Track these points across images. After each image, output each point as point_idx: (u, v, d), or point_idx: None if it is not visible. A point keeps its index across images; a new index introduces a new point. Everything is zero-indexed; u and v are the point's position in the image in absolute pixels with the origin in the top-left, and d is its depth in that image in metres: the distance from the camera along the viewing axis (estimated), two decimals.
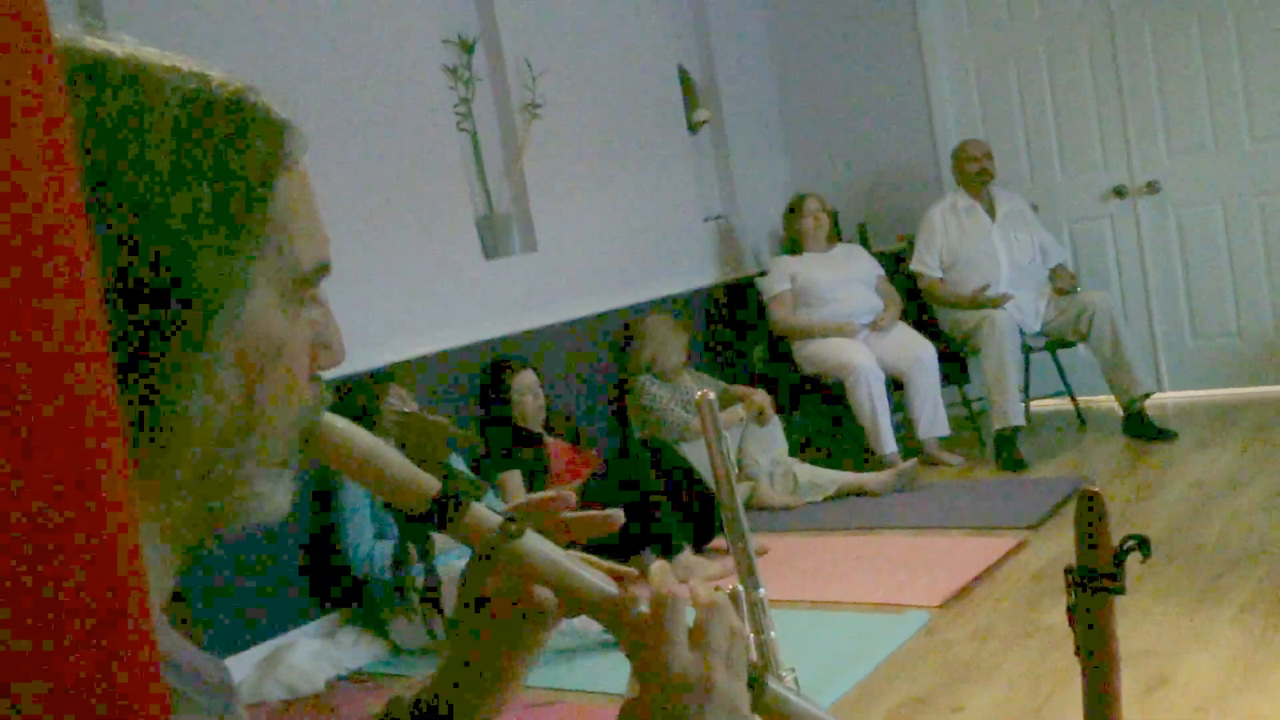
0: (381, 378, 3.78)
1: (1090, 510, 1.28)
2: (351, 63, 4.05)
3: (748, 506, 4.69)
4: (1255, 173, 5.29)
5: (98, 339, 0.40)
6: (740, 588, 1.23)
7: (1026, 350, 5.22)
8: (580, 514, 0.82)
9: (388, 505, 0.73)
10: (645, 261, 5.26)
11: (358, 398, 3.70)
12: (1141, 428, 4.95)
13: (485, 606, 0.81)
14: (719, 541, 4.11)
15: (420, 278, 4.23)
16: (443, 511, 0.73)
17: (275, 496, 0.63)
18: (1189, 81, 5.37)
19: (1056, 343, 5.25)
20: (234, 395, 0.58)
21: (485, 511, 0.75)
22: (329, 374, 0.71)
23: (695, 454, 4.37)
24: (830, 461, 5.06)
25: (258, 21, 3.77)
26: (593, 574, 0.78)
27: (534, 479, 4.17)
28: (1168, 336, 5.57)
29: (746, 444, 4.82)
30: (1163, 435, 4.89)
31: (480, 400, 4.34)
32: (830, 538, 4.28)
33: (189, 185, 0.55)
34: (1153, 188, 5.51)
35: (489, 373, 4.34)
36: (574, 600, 0.77)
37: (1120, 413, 5.07)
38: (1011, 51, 5.76)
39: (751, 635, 1.24)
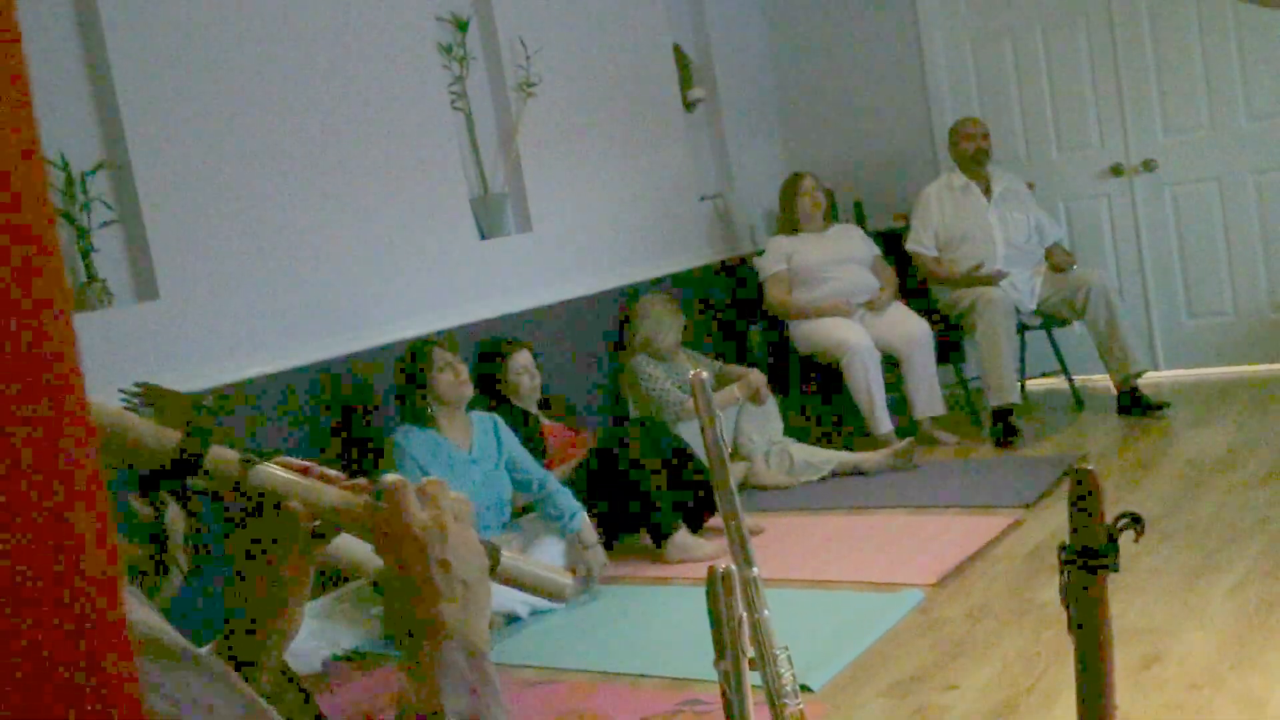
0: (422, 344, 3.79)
1: (1083, 488, 1.28)
2: (345, 42, 4.02)
3: (744, 486, 4.69)
4: (1251, 151, 5.28)
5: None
6: (734, 567, 1.23)
7: (1022, 329, 5.22)
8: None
9: (143, 475, 0.79)
10: (640, 241, 5.25)
11: (416, 364, 3.72)
12: (1135, 405, 4.96)
13: (252, 540, 0.92)
14: (715, 521, 4.12)
15: (415, 258, 4.22)
16: (191, 455, 0.81)
17: None
18: (1185, 60, 5.36)
19: (1052, 321, 5.25)
20: None
21: (226, 451, 0.85)
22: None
23: (691, 434, 4.37)
24: (826, 441, 5.06)
25: (251, 2, 3.74)
26: (331, 489, 0.91)
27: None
28: (1163, 315, 5.57)
29: (742, 424, 4.83)
30: (1156, 409, 4.90)
31: (476, 380, 4.33)
32: (826, 517, 4.28)
33: None
34: (1149, 166, 5.50)
35: (485, 353, 4.34)
36: (319, 510, 0.89)
37: (1114, 391, 5.08)
38: (1008, 30, 5.73)
39: (745, 614, 1.24)
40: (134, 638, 0.52)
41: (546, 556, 3.72)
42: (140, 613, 0.62)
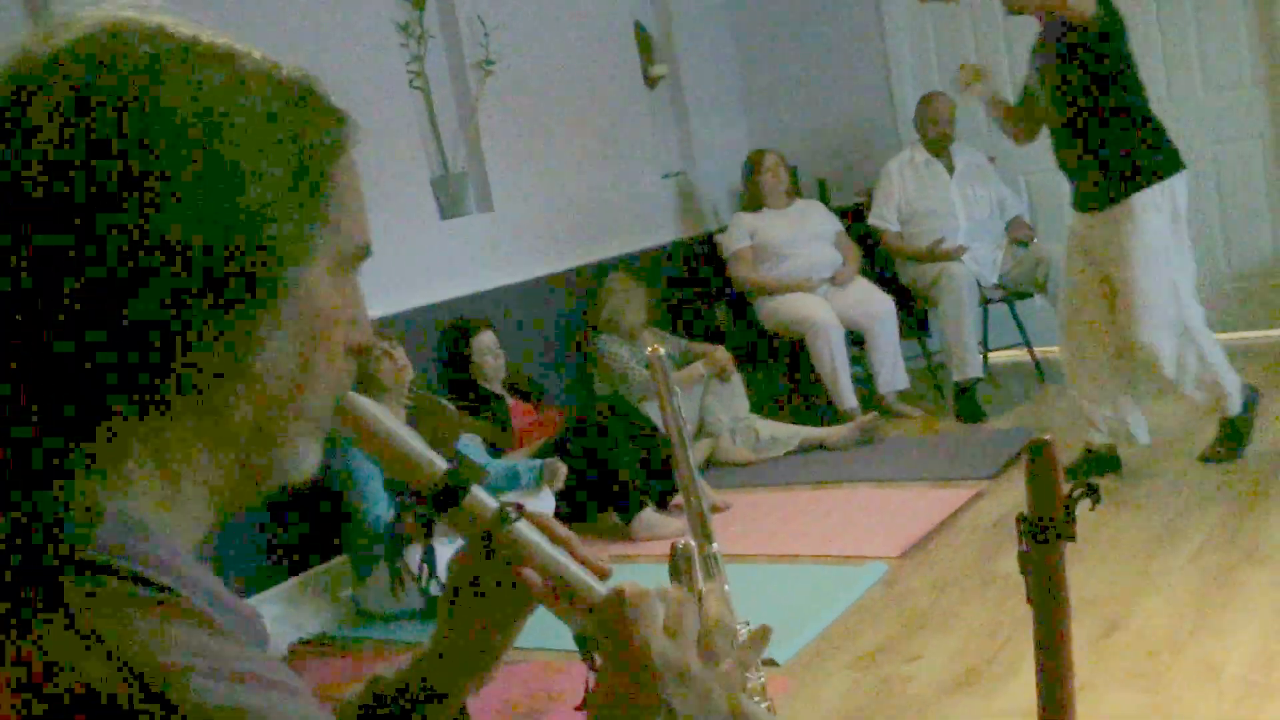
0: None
1: (1041, 460, 1.29)
2: (300, 19, 3.97)
3: (710, 463, 4.70)
4: (1209, 123, 5.32)
5: None
6: (693, 542, 1.23)
7: (984, 302, 5.26)
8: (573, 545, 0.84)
9: (396, 482, 0.78)
10: (604, 219, 5.23)
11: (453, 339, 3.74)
12: None
13: (474, 588, 0.85)
14: (681, 499, 4.12)
15: (376, 238, 4.16)
16: (450, 492, 0.78)
17: (309, 457, 0.68)
18: (1143, 33, 5.38)
19: (1014, 294, 5.28)
20: (292, 356, 0.64)
21: (485, 495, 0.80)
22: None
23: (657, 412, 4.36)
24: (791, 417, 5.08)
25: None
26: (579, 567, 0.82)
27: (495, 438, 4.16)
28: None
29: (708, 401, 4.83)
30: None
31: (440, 361, 4.31)
32: (791, 492, 4.30)
33: (271, 160, 0.62)
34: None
35: (449, 334, 4.31)
36: (559, 586, 0.81)
37: None
38: (967, 5, 5.73)
39: (705, 588, 1.24)
40: None
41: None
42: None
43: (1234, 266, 5.38)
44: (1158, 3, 5.31)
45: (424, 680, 0.87)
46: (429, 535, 3.42)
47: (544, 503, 3.80)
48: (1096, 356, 3.79)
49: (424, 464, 0.78)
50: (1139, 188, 3.58)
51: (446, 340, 4.31)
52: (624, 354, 4.70)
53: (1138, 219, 3.56)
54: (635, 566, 3.71)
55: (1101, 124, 3.60)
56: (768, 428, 4.82)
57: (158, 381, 0.60)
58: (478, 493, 0.80)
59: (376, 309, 4.03)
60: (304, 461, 0.68)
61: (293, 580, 3.77)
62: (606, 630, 0.78)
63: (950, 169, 5.33)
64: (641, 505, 3.96)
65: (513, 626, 0.87)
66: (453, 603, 0.86)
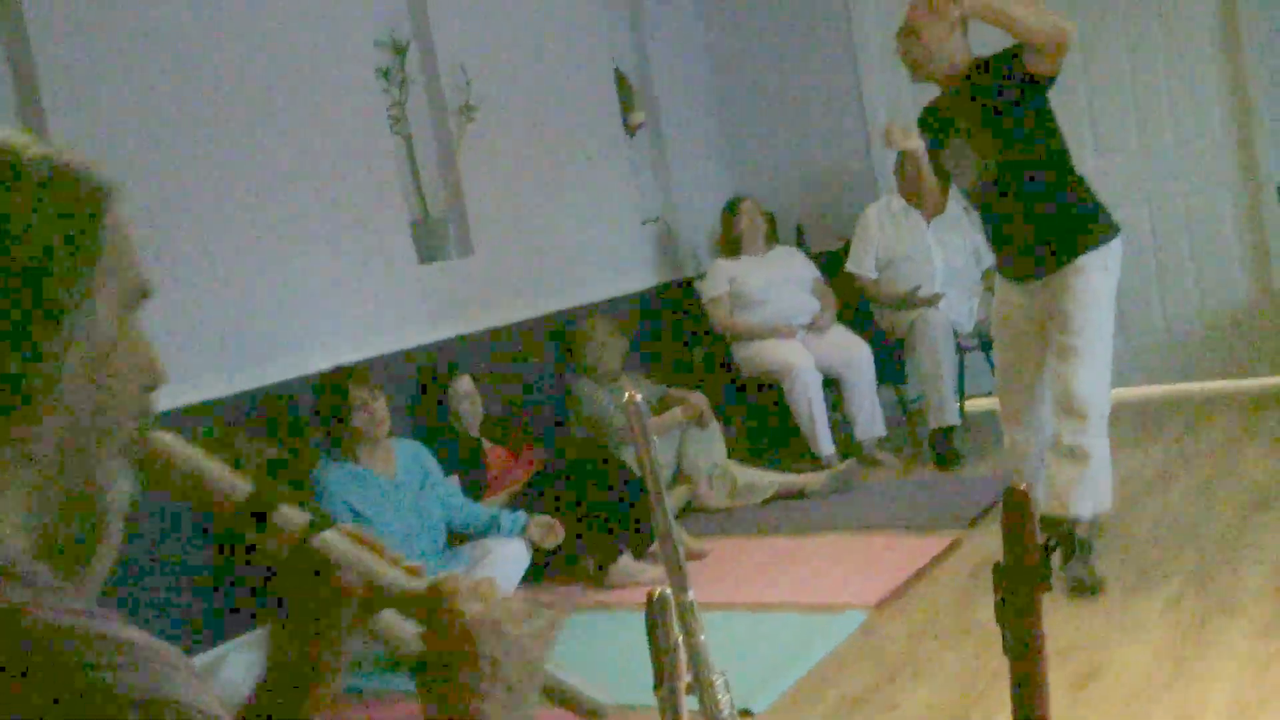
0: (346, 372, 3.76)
1: (1017, 507, 1.29)
2: (284, 65, 3.99)
3: (688, 509, 4.69)
4: (1180, 172, 5.40)
5: None
6: (669, 591, 1.22)
7: (960, 350, 5.29)
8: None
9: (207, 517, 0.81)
10: (583, 264, 5.25)
11: (333, 401, 3.68)
12: None
13: (299, 605, 0.91)
14: (658, 546, 4.10)
15: (355, 282, 4.18)
16: (257, 511, 0.82)
17: (122, 481, 0.75)
18: (1115, 83, 5.47)
19: (989, 342, 5.31)
20: (87, 384, 0.72)
21: (295, 511, 0.85)
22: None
23: (635, 458, 4.36)
24: (769, 463, 5.08)
25: (188, 21, 3.70)
26: (391, 566, 0.89)
27: (472, 484, 4.14)
28: None
29: (686, 447, 4.82)
30: None
31: (416, 406, 4.29)
32: (769, 540, 4.29)
33: (46, 226, 0.72)
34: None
35: (426, 379, 4.30)
36: (374, 588, 0.88)
37: None
38: None
39: (681, 638, 1.24)
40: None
41: (507, 566, 3.70)
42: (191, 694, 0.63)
43: (1206, 315, 5.44)
44: (1130, 55, 5.40)
45: (265, 708, 0.93)
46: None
47: (518, 551, 3.77)
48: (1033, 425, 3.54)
49: (230, 489, 0.83)
50: (1092, 246, 3.35)
51: (424, 385, 4.30)
52: (602, 399, 4.70)
53: (1091, 278, 3.33)
54: (612, 615, 3.68)
55: (1053, 181, 3.38)
56: (745, 474, 4.81)
57: None
58: (285, 510, 0.84)
59: (356, 352, 4.03)
60: (117, 483, 0.74)
61: (261, 630, 3.72)
62: (428, 609, 0.86)
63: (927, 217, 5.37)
64: (618, 553, 3.94)
65: (340, 641, 0.92)
66: (278, 624, 0.92)
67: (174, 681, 0.63)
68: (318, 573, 0.88)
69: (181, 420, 3.54)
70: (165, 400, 3.08)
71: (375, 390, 3.68)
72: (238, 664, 3.48)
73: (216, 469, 0.83)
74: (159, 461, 0.80)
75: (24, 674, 0.59)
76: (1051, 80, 3.29)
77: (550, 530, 3.80)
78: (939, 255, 5.31)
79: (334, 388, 3.69)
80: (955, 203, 5.50)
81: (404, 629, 0.91)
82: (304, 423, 3.89)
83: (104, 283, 0.75)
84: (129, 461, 0.76)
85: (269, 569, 0.90)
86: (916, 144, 3.54)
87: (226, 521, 0.83)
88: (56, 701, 0.58)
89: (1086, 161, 5.54)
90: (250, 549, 3.47)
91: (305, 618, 0.91)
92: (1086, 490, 3.31)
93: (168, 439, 0.82)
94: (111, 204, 0.77)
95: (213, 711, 0.64)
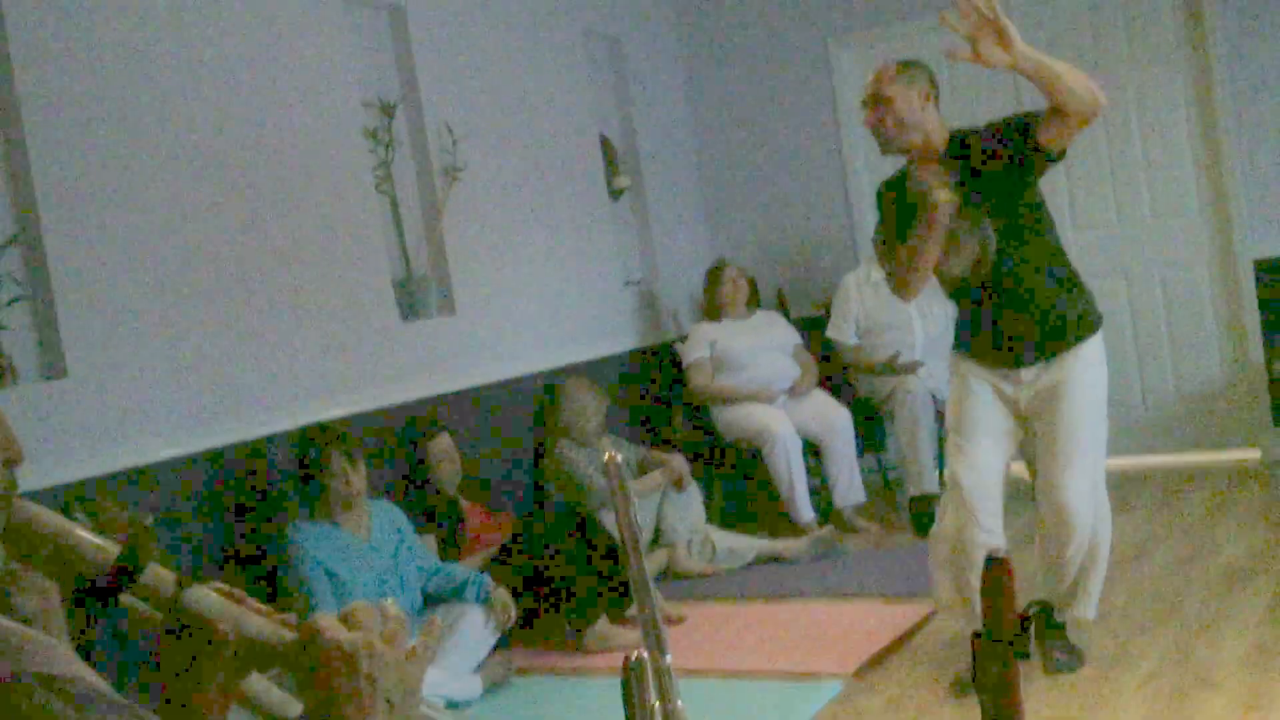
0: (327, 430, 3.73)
1: (996, 576, 1.29)
2: (270, 123, 4.01)
3: (665, 574, 4.66)
4: (1156, 247, 5.48)
5: None
6: (646, 655, 1.21)
7: (940, 418, 5.30)
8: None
9: (76, 585, 0.81)
10: (565, 325, 5.26)
11: (311, 463, 3.66)
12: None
13: (176, 662, 0.90)
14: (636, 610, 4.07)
15: (337, 339, 4.17)
16: (125, 571, 0.82)
17: None
18: (1092, 157, 5.56)
19: None
20: None
21: (162, 570, 0.86)
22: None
23: (613, 521, 4.33)
24: (748, 528, 5.06)
25: (176, 79, 3.73)
26: (262, 619, 0.90)
27: (449, 543, 4.10)
28: None
29: (664, 510, 4.80)
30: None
31: (395, 463, 4.26)
32: (747, 606, 4.26)
33: None
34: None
35: (405, 436, 4.28)
36: (245, 639, 0.88)
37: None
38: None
39: (657, 704, 1.22)
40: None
41: (471, 637, 3.66)
42: (64, 665, 0.63)
43: (1182, 389, 5.48)
44: (1107, 133, 5.50)
45: None
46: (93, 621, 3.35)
47: (480, 623, 3.72)
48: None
49: (97, 553, 0.82)
50: (1089, 334, 3.17)
51: (403, 443, 4.28)
52: (581, 460, 4.68)
53: (1089, 365, 3.15)
54: (589, 680, 3.64)
55: (1056, 264, 3.18)
56: (724, 539, 4.79)
57: None
58: (154, 568, 0.85)
59: (336, 408, 4.01)
60: None
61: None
62: (300, 653, 0.86)
63: None
64: (595, 617, 3.90)
65: (218, 697, 0.92)
66: (163, 686, 0.92)
67: (65, 662, 0.63)
68: (191, 629, 0.88)
69: (158, 473, 3.51)
70: (147, 453, 3.03)
71: (355, 461, 3.65)
72: None
73: (83, 534, 0.82)
74: (26, 532, 0.79)
75: None
76: (1060, 156, 2.99)
77: (504, 610, 3.74)
78: (920, 324, 5.35)
79: (314, 449, 3.66)
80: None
81: (274, 694, 0.92)
82: (281, 478, 3.86)
83: None
84: None
85: (141, 631, 0.91)
86: (951, 197, 3.08)
87: (93, 586, 0.83)
88: None
89: (1066, 237, 5.62)
90: (115, 612, 3.41)
91: (183, 675, 0.90)
92: (1095, 590, 3.20)
93: (33, 509, 0.81)
94: None
95: (88, 679, 0.64)
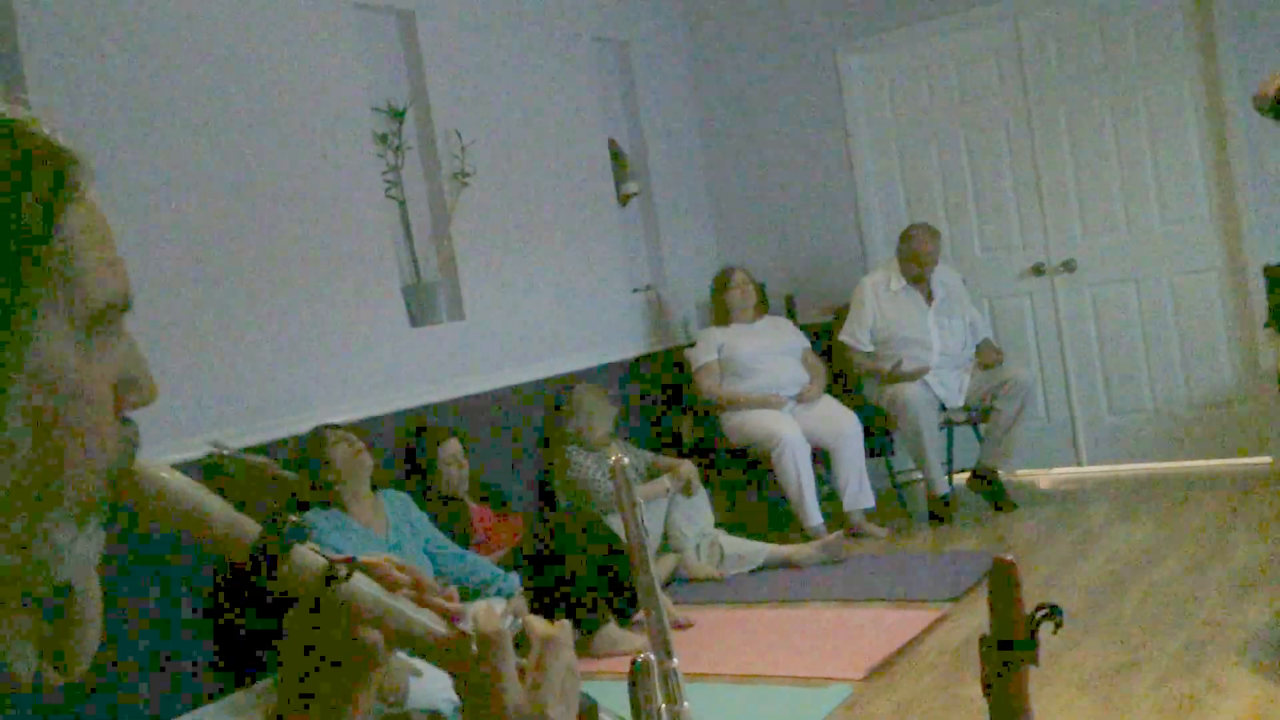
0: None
1: (1003, 579, 1.29)
2: (281, 129, 4.03)
3: (674, 579, 4.66)
4: (1166, 253, 5.46)
5: None
6: (653, 657, 1.21)
7: (950, 424, 5.30)
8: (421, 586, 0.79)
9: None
10: (573, 331, 5.26)
11: (311, 447, 3.69)
12: (989, 488, 5.19)
13: (312, 653, 0.78)
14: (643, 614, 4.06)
15: (346, 344, 4.18)
16: (268, 555, 0.70)
17: (78, 549, 0.58)
18: (1102, 165, 5.55)
19: (980, 415, 5.32)
20: (25, 443, 0.55)
21: (310, 554, 0.73)
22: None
23: (621, 524, 4.33)
24: (756, 533, 5.05)
25: (187, 85, 3.74)
26: (422, 614, 0.76)
27: (457, 546, 4.10)
28: (1085, 411, 5.68)
29: (673, 515, 4.80)
30: (1009, 506, 5.14)
31: (405, 468, 4.27)
32: (755, 610, 4.25)
33: None
34: (1069, 266, 5.65)
35: (414, 440, 4.29)
36: (404, 640, 0.76)
37: (979, 471, 5.25)
38: (932, 133, 5.91)
39: (664, 706, 1.22)
40: None
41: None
42: None
43: (1192, 395, 5.46)
44: (1116, 137, 5.49)
45: None
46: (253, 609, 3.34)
47: (496, 614, 3.74)
48: None
49: (234, 528, 0.70)
50: None
51: (412, 447, 4.28)
52: (589, 466, 4.68)
53: None
54: (596, 684, 3.63)
55: None
56: (733, 544, 4.78)
57: None
58: (302, 552, 0.71)
59: (345, 413, 4.02)
60: (71, 555, 0.58)
61: (239, 693, 3.66)
62: (464, 669, 0.75)
63: (929, 297, 5.38)
64: (603, 621, 3.90)
65: (358, 687, 0.79)
66: (291, 672, 0.79)
67: None
68: (336, 622, 0.75)
69: None
70: (157, 457, 3.07)
71: (356, 446, 3.70)
72: None
73: (219, 507, 0.70)
74: (152, 501, 0.67)
75: None
76: None
77: (518, 615, 3.78)
78: (937, 338, 5.32)
79: (314, 443, 3.69)
80: (956, 274, 5.51)
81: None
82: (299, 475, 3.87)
83: (61, 299, 0.56)
84: (94, 518, 0.60)
85: (278, 620, 0.79)
86: None
87: (229, 567, 0.75)
88: None
89: (1076, 241, 5.61)
90: (253, 596, 3.38)
91: (322, 667, 0.78)
92: None
93: (164, 477, 0.68)
94: (75, 183, 0.58)
95: None
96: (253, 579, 0.70)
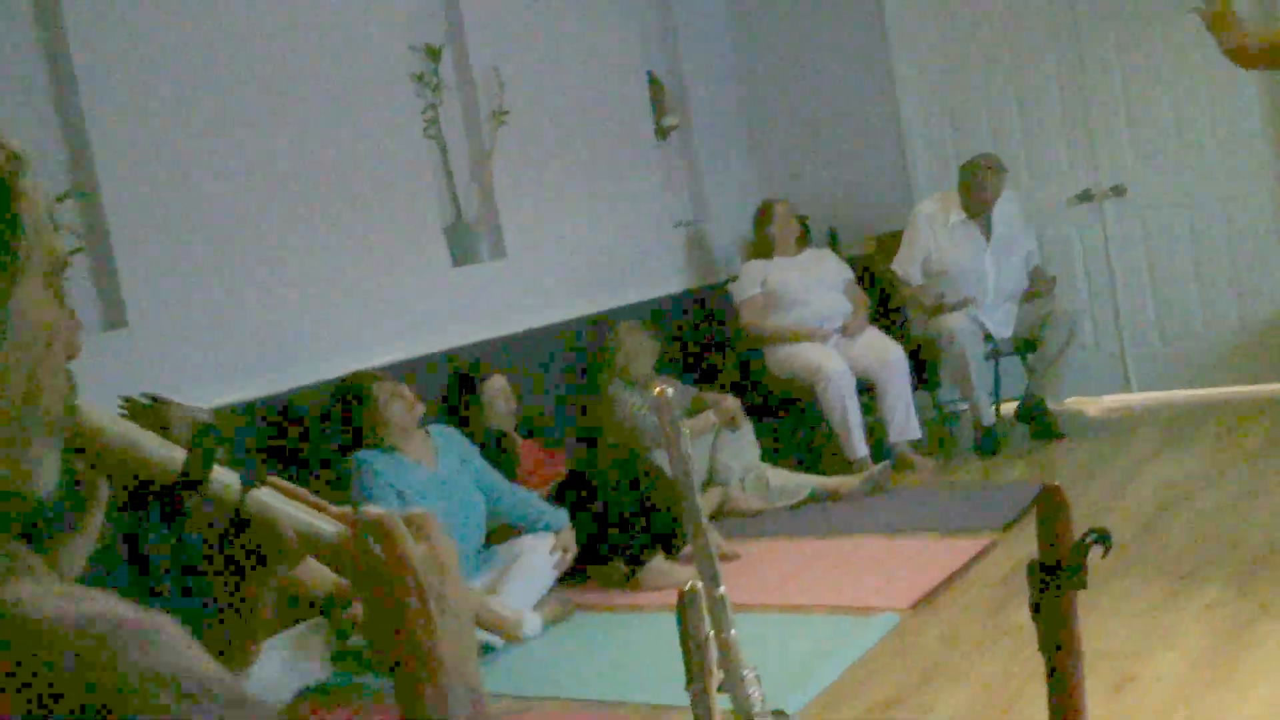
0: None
1: (1051, 506, 1.28)
2: (317, 70, 4.02)
3: (720, 513, 4.68)
4: (1218, 176, 5.34)
5: None
6: (700, 585, 1.22)
7: (997, 354, 5.25)
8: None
9: (138, 487, 0.81)
10: (615, 268, 5.25)
11: (357, 406, 3.69)
12: (1037, 421, 5.14)
13: (237, 563, 0.91)
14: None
15: (388, 286, 4.20)
16: (195, 477, 0.82)
17: (49, 465, 0.72)
18: (1152, 86, 5.42)
19: (1026, 346, 5.27)
20: (19, 370, 0.69)
21: (228, 473, 0.86)
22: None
23: (667, 460, 4.35)
24: (802, 466, 5.06)
25: (224, 28, 3.74)
26: (321, 518, 0.89)
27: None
28: (1135, 338, 5.61)
29: (718, 450, 4.81)
30: (1057, 436, 5.10)
31: (449, 408, 4.30)
32: (802, 542, 4.27)
33: None
34: (1118, 191, 5.55)
35: (459, 379, 4.32)
36: (307, 542, 0.88)
37: (1024, 401, 5.21)
38: (977, 57, 5.79)
39: (711, 633, 1.23)
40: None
41: (542, 567, 3.75)
42: (189, 661, 0.63)
43: (1245, 319, 5.37)
44: (1167, 57, 5.35)
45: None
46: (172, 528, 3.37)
47: (544, 549, 3.80)
48: None
49: (165, 457, 0.82)
50: None
51: (457, 385, 4.31)
52: (634, 402, 4.70)
53: None
54: (645, 616, 3.68)
55: None
56: (778, 477, 4.79)
57: None
58: (220, 471, 0.85)
59: (389, 354, 4.05)
60: (45, 471, 0.72)
61: (297, 628, 3.74)
62: (365, 554, 0.84)
63: (988, 233, 5.27)
64: (650, 555, 3.94)
65: (270, 594, 0.94)
66: (223, 579, 0.92)
67: (182, 653, 0.62)
68: (254, 530, 0.89)
69: (221, 420, 3.57)
70: (206, 399, 3.07)
71: (398, 388, 3.71)
72: (272, 661, 3.50)
73: (149, 438, 0.83)
74: (91, 435, 0.79)
75: (32, 675, 0.57)
76: None
77: (569, 547, 3.85)
78: (994, 277, 5.24)
79: (354, 390, 3.71)
80: (1016, 200, 5.38)
81: (320, 573, 0.94)
82: (336, 422, 3.92)
83: (29, 263, 0.70)
84: (57, 445, 0.73)
85: (198, 531, 0.92)
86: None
87: (160, 490, 0.84)
88: (66, 695, 0.57)
89: (1125, 165, 5.50)
90: (177, 515, 3.46)
91: (244, 575, 0.91)
92: None
93: (99, 417, 0.81)
94: (23, 174, 0.71)
95: (217, 675, 0.63)
96: (181, 496, 0.83)
